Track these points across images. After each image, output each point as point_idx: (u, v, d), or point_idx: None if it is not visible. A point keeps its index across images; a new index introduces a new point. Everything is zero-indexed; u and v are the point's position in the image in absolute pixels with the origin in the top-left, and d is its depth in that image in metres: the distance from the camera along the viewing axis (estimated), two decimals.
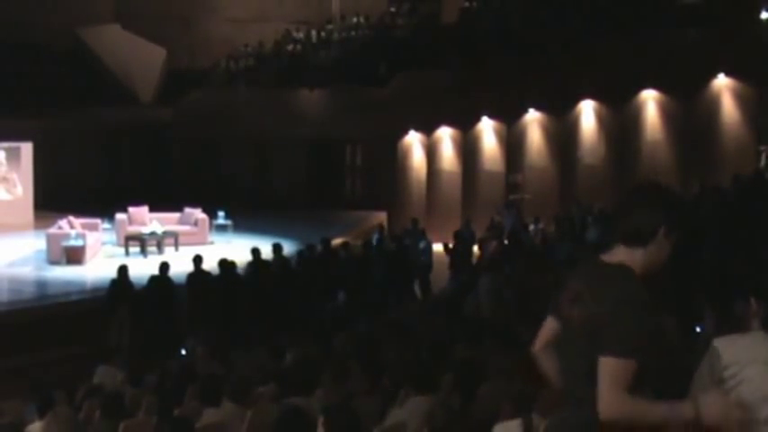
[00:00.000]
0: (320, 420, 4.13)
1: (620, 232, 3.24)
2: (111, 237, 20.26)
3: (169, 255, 18.15)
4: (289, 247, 17.58)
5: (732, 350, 3.25)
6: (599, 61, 20.78)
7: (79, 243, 18.10)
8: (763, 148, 19.67)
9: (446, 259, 17.38)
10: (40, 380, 9.80)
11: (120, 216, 20.49)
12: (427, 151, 24.28)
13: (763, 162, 19.48)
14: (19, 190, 24.02)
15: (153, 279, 14.00)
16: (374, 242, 17.69)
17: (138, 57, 29.26)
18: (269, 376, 8.39)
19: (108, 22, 30.08)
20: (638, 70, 20.10)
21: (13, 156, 23.99)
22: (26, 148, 24.11)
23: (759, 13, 19.05)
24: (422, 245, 17.57)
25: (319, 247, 16.02)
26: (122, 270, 14.06)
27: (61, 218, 19.57)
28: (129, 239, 19.26)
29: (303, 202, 25.81)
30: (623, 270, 3.16)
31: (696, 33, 19.62)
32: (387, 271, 15.87)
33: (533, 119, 22.33)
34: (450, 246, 17.32)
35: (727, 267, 9.47)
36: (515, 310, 10.50)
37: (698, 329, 7.09)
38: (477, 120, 23.13)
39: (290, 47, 29.27)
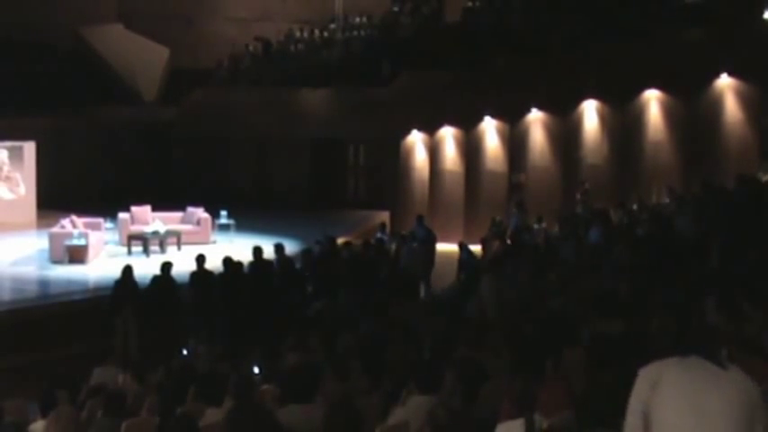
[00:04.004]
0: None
1: None
2: (114, 236, 20.25)
3: (172, 254, 18.16)
4: (292, 247, 17.58)
5: (651, 372, 3.28)
6: (602, 61, 20.78)
7: (82, 242, 18.09)
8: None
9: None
10: (47, 379, 9.78)
11: (122, 215, 20.47)
12: (430, 151, 24.28)
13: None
14: (22, 189, 24.00)
15: (155, 279, 14.00)
16: (377, 241, 17.67)
17: (141, 56, 29.27)
18: (270, 376, 8.39)
19: (111, 21, 30.11)
20: (641, 70, 20.10)
21: (16, 155, 23.97)
22: (29, 148, 24.10)
23: (762, 12, 19.03)
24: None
25: (317, 248, 15.98)
26: (127, 270, 14.02)
27: (64, 217, 19.54)
28: (132, 239, 19.24)
29: (305, 202, 25.79)
30: None
31: (699, 33, 19.61)
32: (389, 270, 15.84)
33: (536, 118, 22.32)
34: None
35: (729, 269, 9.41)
36: (517, 310, 10.46)
37: None
38: (480, 119, 23.13)
39: (292, 46, 29.27)
